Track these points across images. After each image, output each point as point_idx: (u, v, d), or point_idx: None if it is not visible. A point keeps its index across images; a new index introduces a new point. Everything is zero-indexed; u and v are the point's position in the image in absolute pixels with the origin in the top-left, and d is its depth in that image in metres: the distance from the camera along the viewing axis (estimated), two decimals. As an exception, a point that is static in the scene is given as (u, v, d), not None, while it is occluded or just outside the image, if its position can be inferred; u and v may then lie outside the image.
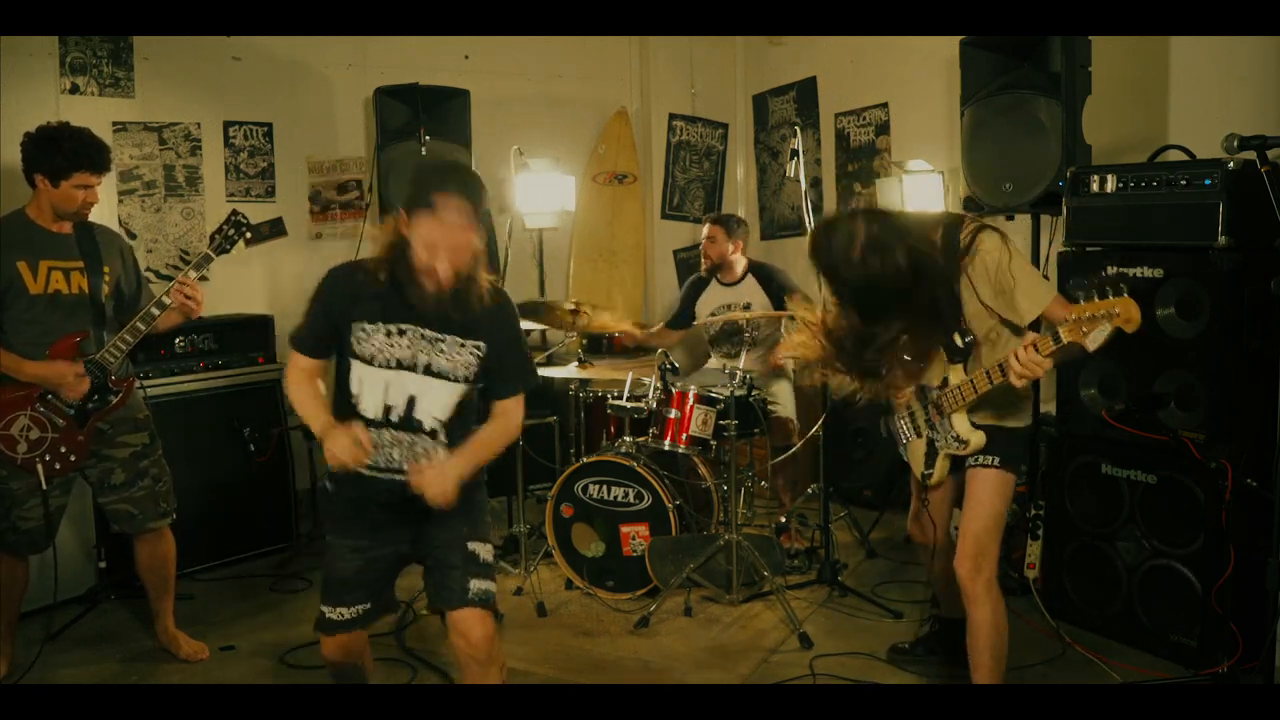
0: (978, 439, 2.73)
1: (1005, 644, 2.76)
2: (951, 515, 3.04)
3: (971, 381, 2.66)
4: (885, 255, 2.48)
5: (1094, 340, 2.35)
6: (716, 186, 6.41)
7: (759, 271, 4.93)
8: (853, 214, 2.59)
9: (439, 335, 2.49)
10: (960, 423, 2.74)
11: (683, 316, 4.99)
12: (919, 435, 2.89)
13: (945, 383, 2.74)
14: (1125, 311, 2.31)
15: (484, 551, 2.60)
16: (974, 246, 2.64)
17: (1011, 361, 2.50)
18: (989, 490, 2.74)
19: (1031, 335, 2.53)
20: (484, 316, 2.50)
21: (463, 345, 2.51)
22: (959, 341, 2.67)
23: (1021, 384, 2.53)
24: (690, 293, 5.05)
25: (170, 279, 3.41)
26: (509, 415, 2.60)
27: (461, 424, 2.55)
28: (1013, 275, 2.60)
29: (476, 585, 2.54)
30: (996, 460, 2.74)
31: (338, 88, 5.31)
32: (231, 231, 3.30)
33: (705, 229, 4.92)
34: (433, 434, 2.52)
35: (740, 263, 4.90)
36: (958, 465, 2.87)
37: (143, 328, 3.23)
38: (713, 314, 4.86)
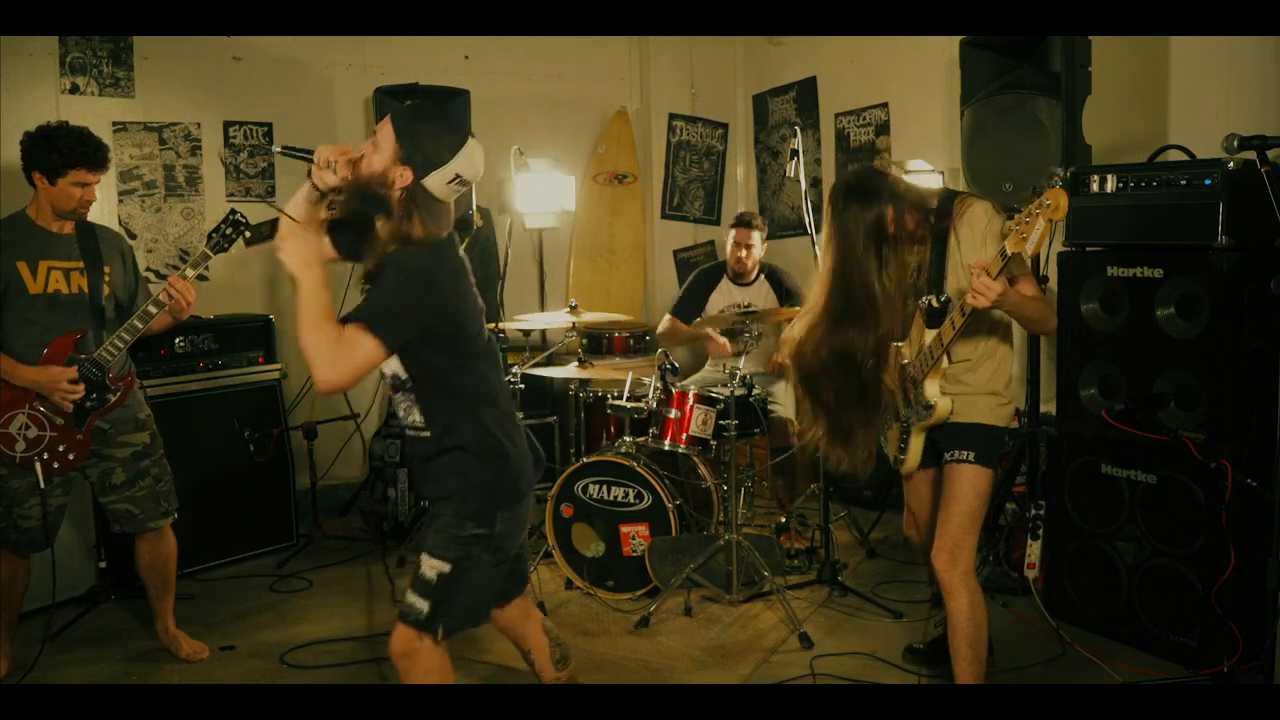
0: (944, 404, 2.77)
1: (984, 636, 2.79)
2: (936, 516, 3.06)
3: (939, 335, 2.71)
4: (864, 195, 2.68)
5: (1033, 241, 2.41)
6: (716, 186, 6.41)
7: (770, 273, 4.95)
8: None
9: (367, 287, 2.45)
10: (930, 388, 2.78)
11: (693, 310, 4.97)
12: (897, 419, 2.92)
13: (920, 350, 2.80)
14: (1054, 200, 2.37)
15: None
16: (965, 211, 2.74)
17: (968, 290, 2.54)
18: (965, 485, 2.78)
19: (981, 261, 2.57)
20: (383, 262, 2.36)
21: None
22: (934, 303, 2.73)
23: (979, 304, 2.52)
24: (702, 286, 5.03)
25: (170, 279, 3.42)
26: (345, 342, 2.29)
27: (419, 377, 2.43)
28: (993, 236, 2.71)
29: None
30: (972, 455, 2.78)
31: (338, 88, 5.31)
32: (229, 230, 3.31)
33: (743, 234, 4.88)
34: (406, 386, 2.46)
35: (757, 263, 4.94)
36: (936, 460, 2.89)
37: (140, 325, 3.22)
38: (721, 313, 4.87)
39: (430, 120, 2.45)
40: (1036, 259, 3.87)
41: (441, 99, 4.70)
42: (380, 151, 2.35)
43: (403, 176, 2.33)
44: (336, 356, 2.23)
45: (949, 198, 2.80)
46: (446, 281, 2.37)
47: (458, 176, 2.37)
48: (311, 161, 2.41)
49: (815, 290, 2.80)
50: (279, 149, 2.56)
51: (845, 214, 2.69)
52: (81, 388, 3.20)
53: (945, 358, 2.74)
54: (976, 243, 2.71)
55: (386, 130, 2.36)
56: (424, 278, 2.32)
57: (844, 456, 2.82)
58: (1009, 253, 2.46)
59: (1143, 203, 3.26)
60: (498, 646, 3.35)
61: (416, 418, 2.47)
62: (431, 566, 2.41)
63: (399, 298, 2.30)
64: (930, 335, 2.75)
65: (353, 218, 2.42)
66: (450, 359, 2.41)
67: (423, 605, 2.41)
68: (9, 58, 4.44)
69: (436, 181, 2.35)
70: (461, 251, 2.49)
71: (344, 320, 2.28)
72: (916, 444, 2.89)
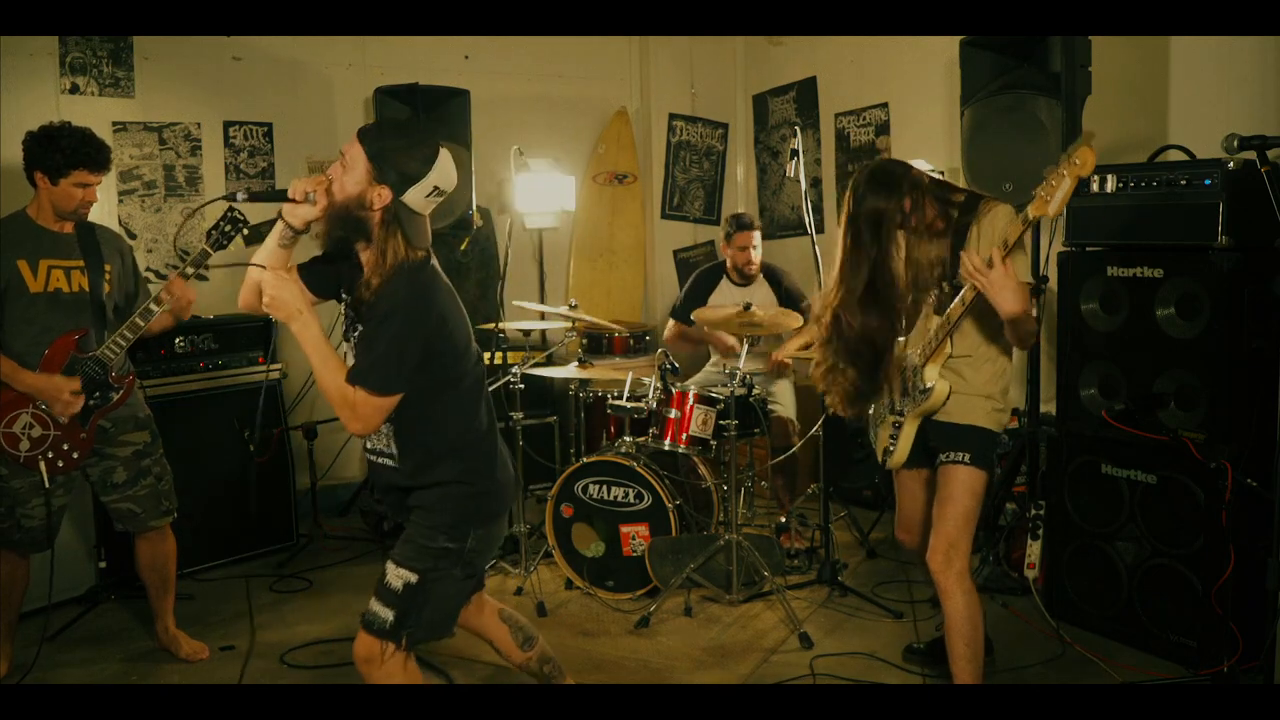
0: (942, 387, 2.78)
1: (981, 635, 2.81)
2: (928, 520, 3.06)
3: (948, 314, 2.72)
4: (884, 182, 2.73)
5: (1056, 201, 2.45)
6: (716, 186, 6.41)
7: (770, 272, 4.96)
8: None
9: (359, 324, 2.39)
10: (930, 371, 2.79)
11: (692, 311, 4.97)
12: (891, 411, 2.93)
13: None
14: (1083, 158, 2.41)
15: None
16: (989, 211, 2.76)
17: (989, 254, 2.56)
18: (960, 486, 2.79)
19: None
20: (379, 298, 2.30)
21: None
22: (947, 288, 2.75)
23: (980, 282, 2.55)
24: (702, 287, 5.03)
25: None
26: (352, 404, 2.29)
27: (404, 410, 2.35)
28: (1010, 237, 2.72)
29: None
30: (967, 457, 2.79)
31: (338, 88, 5.31)
32: (228, 228, 3.24)
33: (746, 237, 4.88)
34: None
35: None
36: (930, 461, 2.89)
37: (141, 324, 3.22)
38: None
39: (400, 134, 2.38)
40: (1037, 259, 3.87)
41: (441, 99, 4.71)
42: (351, 173, 2.28)
43: (381, 196, 2.27)
44: (355, 413, 2.28)
45: (976, 197, 2.82)
46: (423, 308, 2.31)
47: (436, 188, 2.32)
48: (284, 201, 2.35)
49: (834, 275, 2.84)
50: (244, 196, 2.49)
51: (864, 201, 2.72)
52: (81, 399, 3.21)
53: (949, 341, 2.75)
54: (995, 240, 2.70)
55: (356, 151, 2.29)
56: (401, 317, 2.27)
57: (852, 411, 2.93)
58: (1031, 217, 2.51)
59: (1143, 203, 3.26)
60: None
61: (388, 443, 2.42)
62: (398, 576, 2.38)
63: (383, 347, 2.27)
64: (937, 321, 2.76)
65: (337, 247, 2.36)
66: (434, 378, 2.35)
67: (387, 614, 2.38)
68: (9, 58, 4.44)
69: (415, 196, 2.30)
70: (435, 264, 2.41)
71: (347, 380, 2.28)
72: (908, 433, 2.89)
